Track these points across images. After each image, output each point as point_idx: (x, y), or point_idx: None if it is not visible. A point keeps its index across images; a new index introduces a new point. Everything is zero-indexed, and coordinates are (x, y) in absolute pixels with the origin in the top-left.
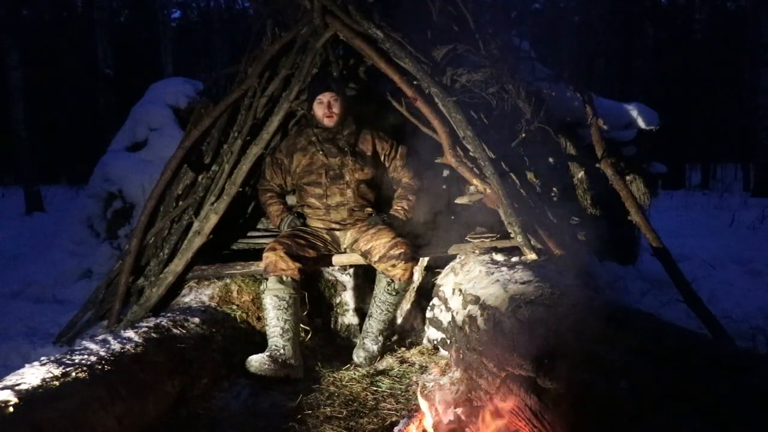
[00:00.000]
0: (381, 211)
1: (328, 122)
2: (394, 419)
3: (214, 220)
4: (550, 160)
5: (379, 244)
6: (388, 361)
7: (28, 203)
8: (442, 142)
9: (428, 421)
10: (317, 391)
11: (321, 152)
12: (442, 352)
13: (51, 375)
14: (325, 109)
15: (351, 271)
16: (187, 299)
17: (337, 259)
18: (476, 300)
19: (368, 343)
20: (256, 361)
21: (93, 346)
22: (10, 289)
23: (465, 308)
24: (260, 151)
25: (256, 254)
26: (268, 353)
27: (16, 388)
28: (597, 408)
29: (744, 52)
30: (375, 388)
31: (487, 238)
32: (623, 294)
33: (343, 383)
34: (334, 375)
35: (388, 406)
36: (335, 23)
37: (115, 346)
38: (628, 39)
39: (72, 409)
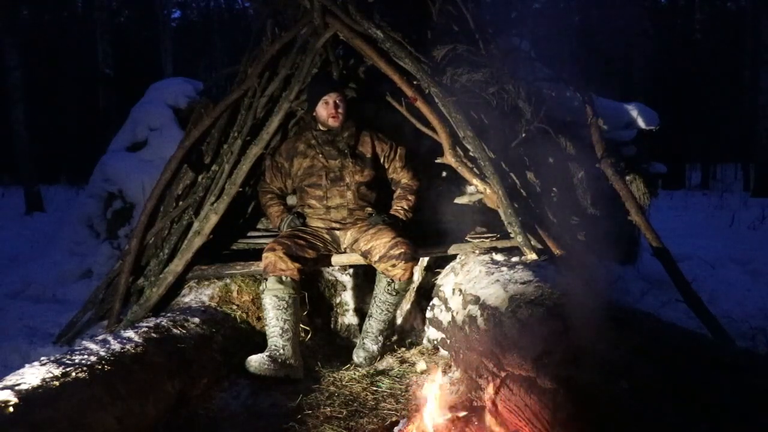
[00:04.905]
0: (381, 211)
1: (333, 122)
2: (394, 419)
3: (214, 220)
4: (550, 160)
5: (379, 243)
6: (388, 361)
7: (28, 203)
8: (442, 142)
9: (428, 421)
10: (317, 391)
11: (321, 155)
12: (442, 352)
13: (51, 375)
14: (331, 109)
15: (351, 271)
16: (187, 299)
17: (337, 259)
18: (476, 300)
19: (368, 343)
20: (256, 361)
21: (93, 346)
22: (10, 289)
23: (465, 308)
24: (260, 151)
25: (256, 254)
26: (267, 353)
27: (16, 388)
28: (597, 408)
29: (744, 52)
30: (375, 388)
31: (487, 238)
32: (623, 294)
33: (343, 383)
34: (334, 375)
35: (388, 406)
36: (335, 23)
37: (115, 346)
38: (628, 39)
39: (72, 409)
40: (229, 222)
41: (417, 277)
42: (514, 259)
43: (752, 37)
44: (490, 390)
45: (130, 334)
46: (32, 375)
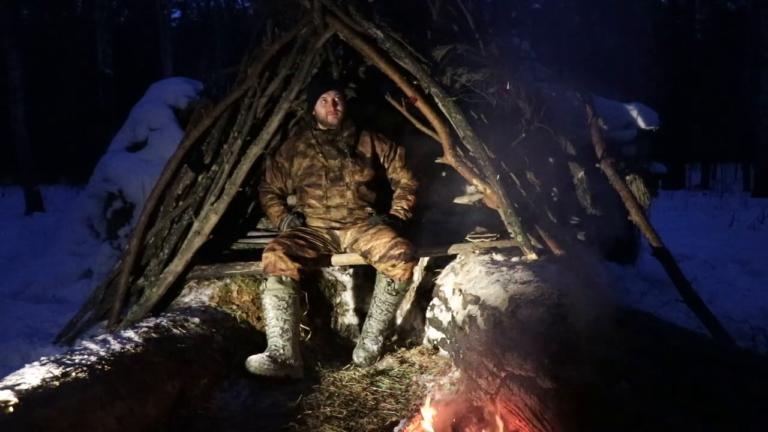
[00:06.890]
0: (381, 211)
1: (332, 120)
2: (394, 419)
3: (214, 220)
4: (550, 160)
5: (379, 243)
6: (388, 361)
7: (28, 203)
8: (442, 142)
9: (428, 422)
10: (317, 391)
11: (321, 155)
12: (442, 352)
13: (51, 375)
14: (329, 106)
15: (351, 271)
16: (187, 299)
17: (337, 259)
18: (476, 300)
19: (368, 343)
20: (256, 362)
21: (93, 346)
22: (10, 289)
23: (465, 308)
24: (260, 151)
25: (256, 254)
26: (267, 353)
27: (16, 388)
28: (597, 408)
29: (744, 52)
30: (375, 388)
31: (487, 238)
32: (623, 294)
33: (343, 383)
34: (334, 375)
35: (388, 406)
36: (335, 23)
37: (115, 346)
38: (628, 39)
39: (72, 409)
40: (229, 222)
41: (417, 277)
42: (514, 259)
43: (752, 37)
44: (490, 390)
45: (130, 334)
46: (32, 375)
